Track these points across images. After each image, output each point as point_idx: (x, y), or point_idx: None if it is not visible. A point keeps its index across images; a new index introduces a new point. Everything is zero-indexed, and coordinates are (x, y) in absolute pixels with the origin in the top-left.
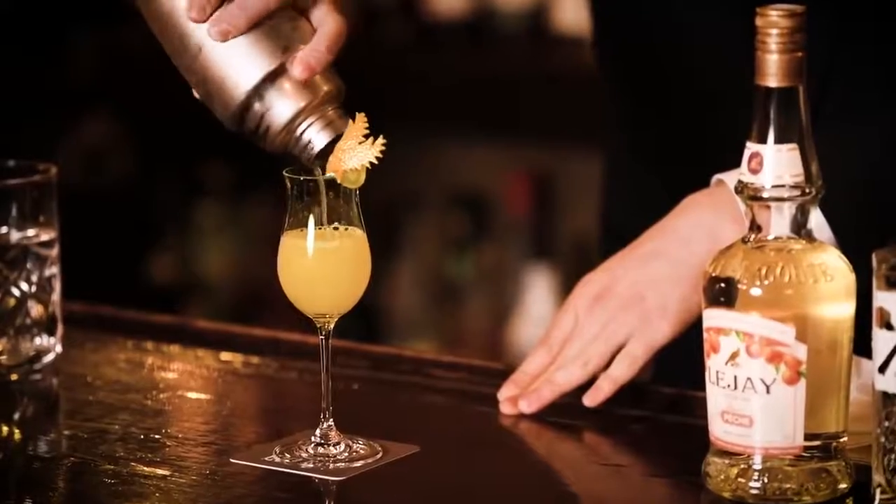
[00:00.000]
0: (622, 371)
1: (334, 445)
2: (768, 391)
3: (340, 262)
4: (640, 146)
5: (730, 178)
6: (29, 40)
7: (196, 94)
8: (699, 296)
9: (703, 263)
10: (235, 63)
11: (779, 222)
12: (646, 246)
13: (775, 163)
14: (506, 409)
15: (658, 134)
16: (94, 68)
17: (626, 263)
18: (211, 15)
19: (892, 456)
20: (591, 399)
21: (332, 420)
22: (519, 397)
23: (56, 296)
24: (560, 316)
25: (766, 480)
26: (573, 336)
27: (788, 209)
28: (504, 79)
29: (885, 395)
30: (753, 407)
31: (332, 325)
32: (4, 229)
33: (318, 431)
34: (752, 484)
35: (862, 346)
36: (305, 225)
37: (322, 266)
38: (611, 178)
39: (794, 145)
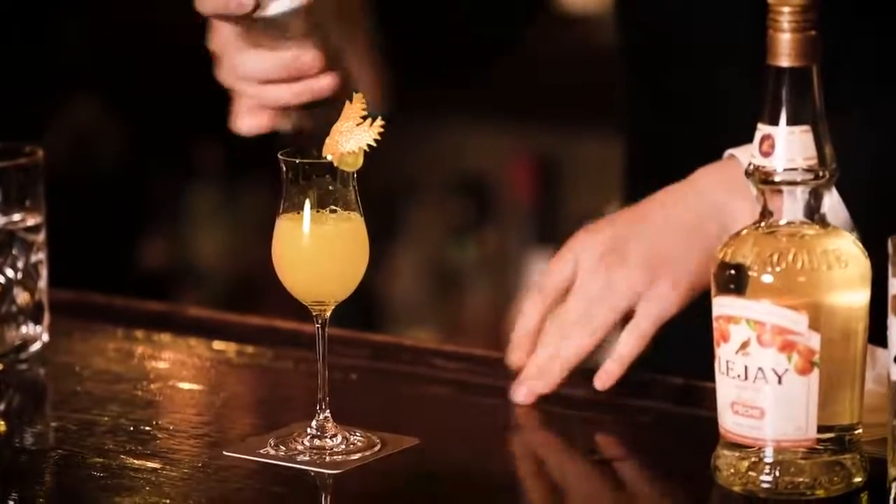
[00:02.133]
0: (630, 348)
1: (331, 437)
2: (780, 381)
3: (337, 247)
4: (663, 138)
5: (742, 154)
6: (16, 19)
7: None
8: (706, 274)
9: (713, 242)
10: None
11: (791, 207)
12: (657, 214)
13: (787, 145)
14: (520, 397)
15: (680, 127)
16: (83, 48)
17: (635, 227)
18: None
19: None
20: (601, 382)
21: (328, 411)
22: (525, 380)
23: (42, 283)
24: (558, 264)
25: (777, 474)
26: (575, 292)
27: (801, 193)
28: (508, 60)
29: None
30: (765, 398)
31: (328, 313)
32: None
33: (314, 423)
34: (763, 477)
35: (877, 334)
36: (301, 208)
37: (318, 251)
38: (632, 167)
39: (807, 127)
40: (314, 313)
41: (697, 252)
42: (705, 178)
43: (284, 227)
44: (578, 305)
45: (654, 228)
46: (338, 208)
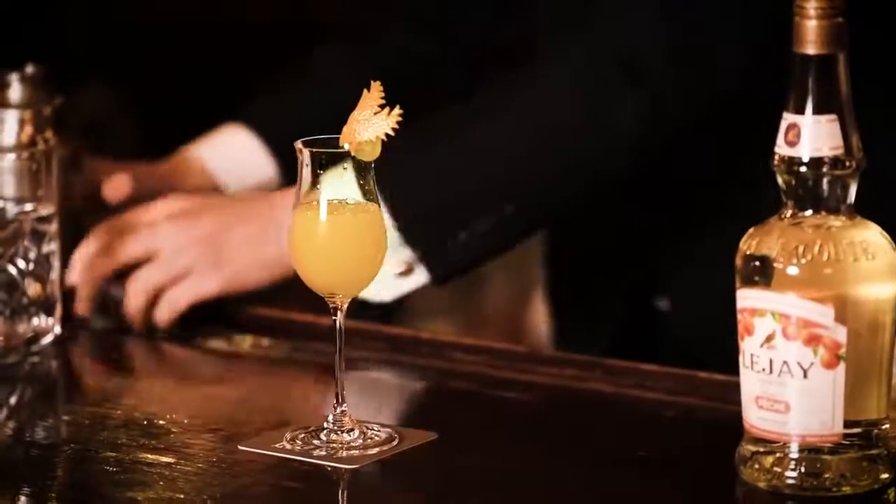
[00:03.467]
0: (163, 317)
1: (348, 432)
2: (805, 375)
3: (354, 239)
4: None
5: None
6: (24, 10)
7: None
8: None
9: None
10: None
11: (817, 197)
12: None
13: (813, 134)
14: None
15: None
16: (94, 39)
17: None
18: None
19: None
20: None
21: (345, 405)
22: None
23: (55, 274)
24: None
25: (802, 470)
26: (146, 232)
27: (827, 183)
28: (523, 50)
29: None
30: (790, 392)
31: (346, 305)
32: (0, 203)
33: (330, 417)
34: (788, 473)
35: None
36: (318, 199)
37: (335, 242)
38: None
39: (833, 116)
40: (331, 305)
41: (270, 253)
42: None
43: (301, 218)
44: (145, 244)
45: (239, 213)
46: (355, 199)
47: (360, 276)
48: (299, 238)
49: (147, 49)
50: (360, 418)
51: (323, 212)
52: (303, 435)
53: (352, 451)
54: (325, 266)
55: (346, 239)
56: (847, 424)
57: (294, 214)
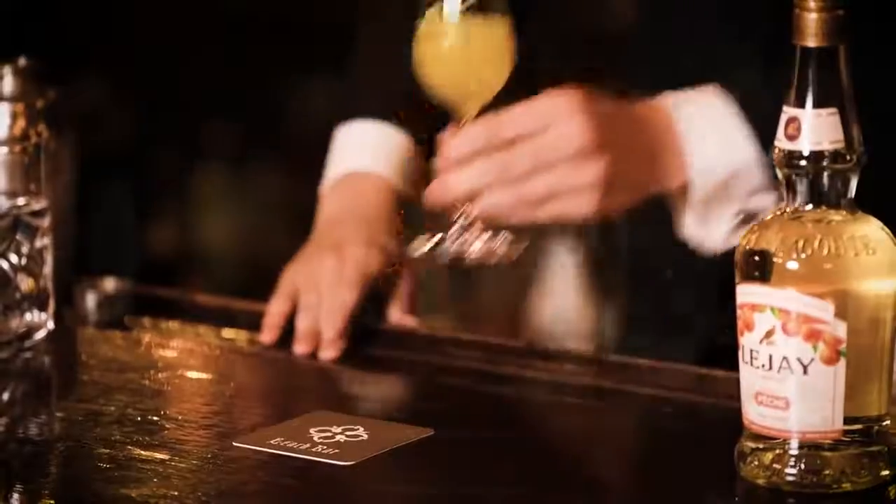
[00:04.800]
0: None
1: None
2: (805, 371)
3: (481, 45)
4: None
5: None
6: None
7: None
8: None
9: None
10: None
11: (817, 192)
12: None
13: (814, 128)
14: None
15: None
16: (87, 24)
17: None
18: None
19: None
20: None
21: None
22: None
23: (48, 268)
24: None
25: (802, 467)
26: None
27: (828, 178)
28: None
29: None
30: (790, 388)
31: (473, 116)
32: None
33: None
34: (787, 470)
35: None
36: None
37: (462, 49)
38: None
39: (833, 110)
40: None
41: None
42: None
43: (429, 25)
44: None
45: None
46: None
47: (486, 84)
48: (426, 46)
49: (145, 43)
50: (357, 414)
51: (452, 18)
52: (299, 431)
53: (348, 447)
54: (453, 72)
55: (472, 46)
56: (847, 421)
57: (421, 22)
